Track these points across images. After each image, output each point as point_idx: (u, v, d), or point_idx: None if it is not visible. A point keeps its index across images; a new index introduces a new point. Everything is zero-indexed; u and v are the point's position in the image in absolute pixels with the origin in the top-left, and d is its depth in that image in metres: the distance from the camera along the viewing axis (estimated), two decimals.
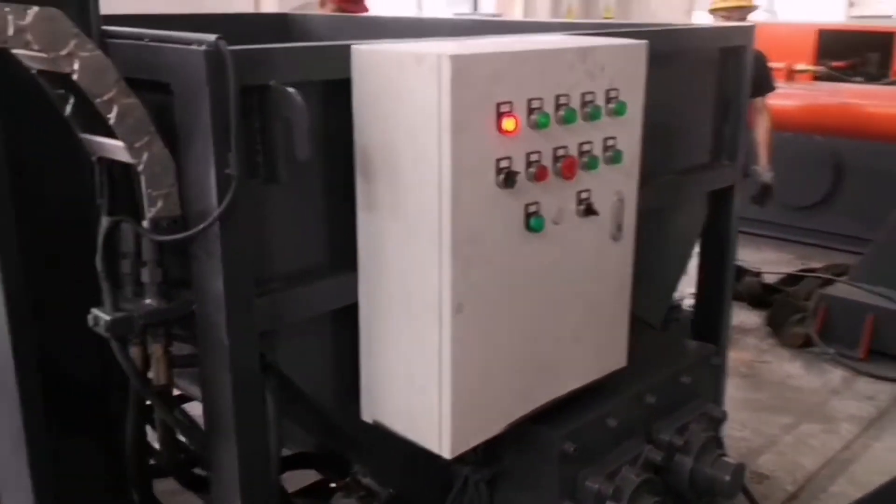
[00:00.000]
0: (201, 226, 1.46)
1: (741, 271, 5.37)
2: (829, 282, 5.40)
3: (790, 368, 4.78)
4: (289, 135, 1.48)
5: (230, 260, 1.49)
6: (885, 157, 6.24)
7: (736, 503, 2.39)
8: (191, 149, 1.47)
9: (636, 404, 2.05)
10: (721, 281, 2.74)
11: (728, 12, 5.14)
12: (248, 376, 1.58)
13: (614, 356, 1.99)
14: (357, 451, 2.10)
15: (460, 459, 1.95)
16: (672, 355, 2.28)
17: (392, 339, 1.68)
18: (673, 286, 2.78)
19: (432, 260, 1.56)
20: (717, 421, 2.25)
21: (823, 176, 6.54)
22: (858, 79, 7.06)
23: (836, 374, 4.85)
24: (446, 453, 1.65)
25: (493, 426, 1.74)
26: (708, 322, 2.75)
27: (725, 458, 2.15)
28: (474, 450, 1.89)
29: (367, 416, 1.79)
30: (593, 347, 1.92)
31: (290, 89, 1.47)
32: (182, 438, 1.92)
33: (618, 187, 1.85)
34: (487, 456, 1.94)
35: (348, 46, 1.60)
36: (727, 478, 2.10)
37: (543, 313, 1.77)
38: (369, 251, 1.68)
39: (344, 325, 1.76)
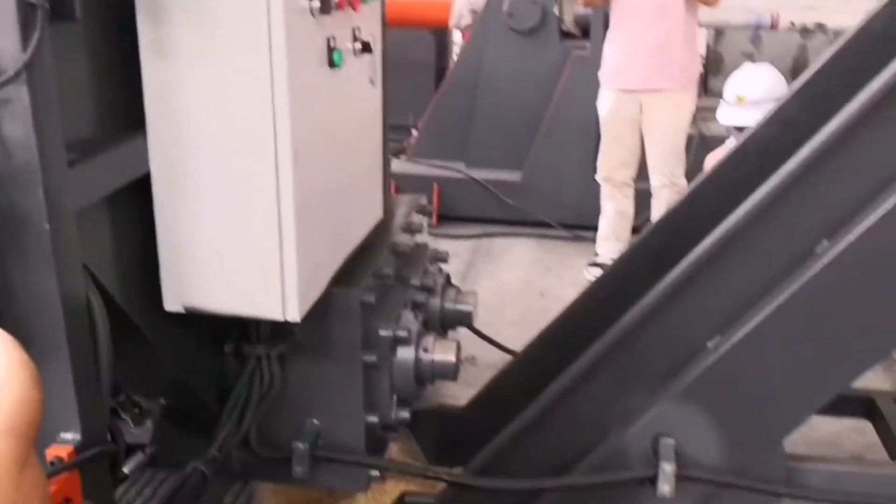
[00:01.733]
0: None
1: None
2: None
3: None
4: None
5: (41, 120, 1.17)
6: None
7: None
8: None
9: (394, 254, 2.10)
10: None
11: None
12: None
13: (377, 208, 2.01)
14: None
15: (247, 340, 1.83)
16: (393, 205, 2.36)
17: (206, 208, 1.48)
18: None
19: (264, 105, 1.39)
20: (443, 259, 2.40)
21: None
22: None
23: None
24: (294, 315, 1.53)
25: (322, 282, 1.66)
26: None
27: (463, 292, 2.33)
28: (258, 326, 1.79)
29: (173, 303, 1.56)
30: (368, 198, 1.91)
31: None
32: None
33: (373, 29, 1.83)
34: (276, 332, 1.84)
35: None
36: (471, 309, 2.28)
37: (341, 160, 1.70)
38: (163, 107, 1.44)
39: (129, 203, 1.50)
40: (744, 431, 1.87)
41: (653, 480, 1.88)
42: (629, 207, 4.79)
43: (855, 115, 1.75)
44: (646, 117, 4.48)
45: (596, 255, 4.88)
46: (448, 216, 5.59)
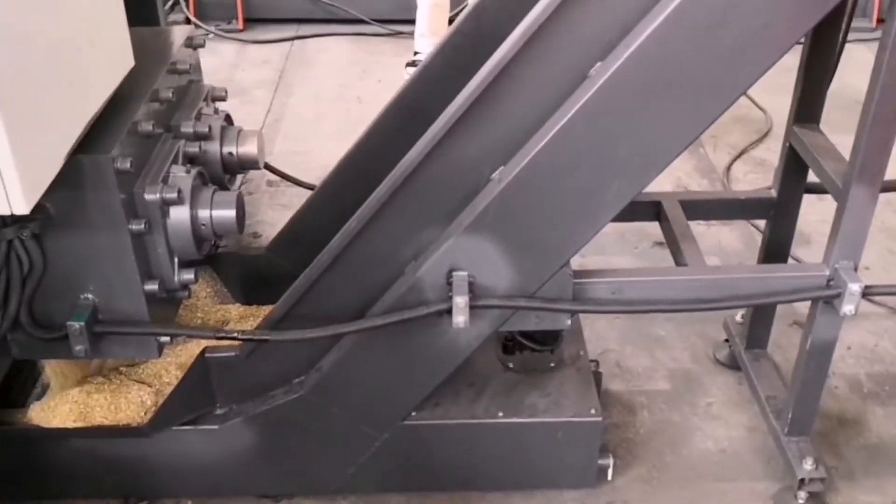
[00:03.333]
0: None
1: None
2: None
3: None
4: None
5: None
6: None
7: None
8: None
9: (158, 103, 1.91)
10: None
11: None
12: None
13: (125, 58, 1.79)
14: None
15: None
16: (158, 45, 2.12)
17: None
18: None
19: None
20: (221, 98, 2.23)
21: None
22: None
23: (229, 48, 5.03)
24: (22, 208, 1.37)
25: (57, 160, 1.48)
26: None
27: (244, 132, 2.18)
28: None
29: None
30: (109, 46, 1.69)
31: None
32: None
33: None
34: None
35: None
36: (255, 152, 2.15)
37: (51, 13, 1.47)
38: None
39: None
40: (531, 258, 1.89)
41: (449, 312, 1.90)
42: None
43: None
44: None
45: (415, 53, 4.72)
46: (255, 18, 5.23)
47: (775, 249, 2.40)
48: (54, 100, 1.46)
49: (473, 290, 1.89)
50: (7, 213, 1.37)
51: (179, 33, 2.17)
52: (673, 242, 2.17)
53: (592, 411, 2.16)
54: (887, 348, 2.77)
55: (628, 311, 2.01)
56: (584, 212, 1.85)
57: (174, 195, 1.77)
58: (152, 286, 1.81)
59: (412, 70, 4.60)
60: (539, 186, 1.81)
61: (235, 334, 1.88)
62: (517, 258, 1.89)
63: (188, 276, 1.88)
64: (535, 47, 1.71)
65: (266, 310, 2.38)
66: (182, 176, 1.87)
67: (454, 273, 1.90)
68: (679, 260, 2.14)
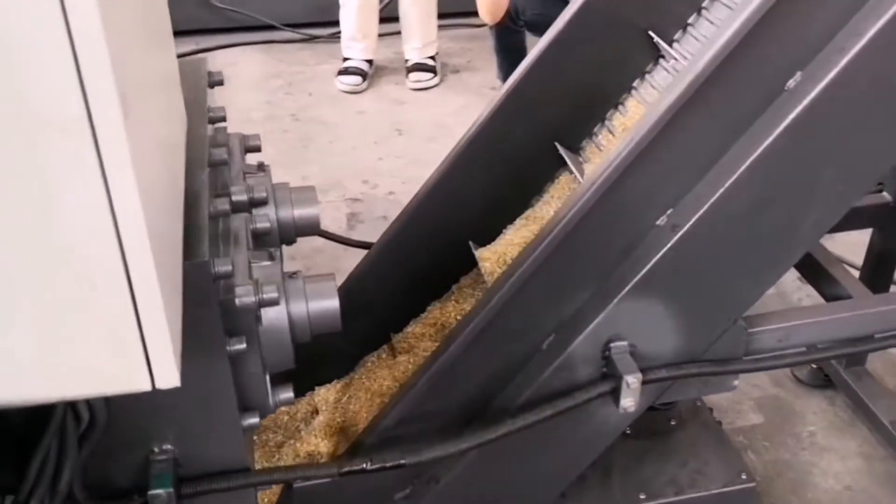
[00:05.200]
0: None
1: None
2: None
3: None
4: None
5: None
6: None
7: None
8: None
9: (212, 167, 1.41)
10: None
11: None
12: None
13: (181, 111, 1.29)
14: None
15: None
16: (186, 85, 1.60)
17: None
18: None
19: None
20: (255, 148, 1.74)
21: None
22: None
23: None
24: (172, 380, 0.88)
25: (179, 293, 0.99)
26: None
27: (295, 188, 1.70)
28: None
29: None
30: (176, 107, 1.19)
31: None
32: None
33: None
34: None
35: None
36: (316, 211, 1.68)
37: (148, 76, 0.97)
38: None
39: None
40: (704, 314, 1.54)
41: (612, 393, 1.52)
42: None
43: None
44: None
45: (345, 59, 4.25)
46: None
47: (883, 265, 2.15)
48: (175, 226, 0.98)
49: (636, 360, 1.52)
50: (148, 386, 0.87)
51: (196, 68, 1.67)
52: (816, 270, 1.86)
53: (743, 476, 1.84)
54: None
55: (804, 361, 1.69)
56: (773, 253, 1.51)
57: (274, 294, 1.29)
58: (252, 420, 1.33)
59: (347, 80, 4.15)
60: (725, 229, 1.45)
61: (365, 465, 1.42)
62: (688, 317, 1.53)
63: (286, 394, 1.41)
64: (735, 60, 1.35)
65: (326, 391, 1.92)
66: (268, 265, 1.39)
67: (612, 344, 1.52)
68: (830, 291, 1.84)
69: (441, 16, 4.32)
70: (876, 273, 2.13)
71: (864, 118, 1.40)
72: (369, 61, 4.24)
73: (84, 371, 0.84)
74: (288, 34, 4.61)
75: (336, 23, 4.34)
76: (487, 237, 1.86)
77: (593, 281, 1.51)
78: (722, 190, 1.41)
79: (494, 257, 1.78)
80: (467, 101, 4.10)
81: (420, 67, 4.22)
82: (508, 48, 3.68)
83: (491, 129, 1.80)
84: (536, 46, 1.76)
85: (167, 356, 0.84)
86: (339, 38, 4.36)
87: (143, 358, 0.84)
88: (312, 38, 4.64)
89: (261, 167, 1.74)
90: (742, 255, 1.49)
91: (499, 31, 3.59)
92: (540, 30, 3.76)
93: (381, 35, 4.32)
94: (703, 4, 1.78)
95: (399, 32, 4.34)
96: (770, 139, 1.37)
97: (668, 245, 1.44)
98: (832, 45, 1.37)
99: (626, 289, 1.47)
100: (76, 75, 0.68)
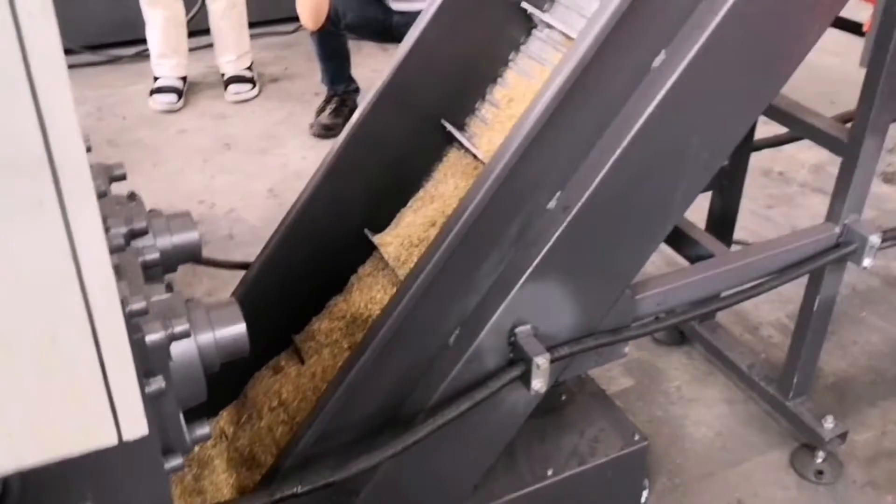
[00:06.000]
0: None
1: None
2: None
3: None
4: None
5: None
6: None
7: None
8: None
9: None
10: None
11: None
12: None
13: None
14: None
15: None
16: None
17: None
18: None
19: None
20: (120, 176, 1.63)
21: None
22: None
23: None
24: (141, 430, 0.81)
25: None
26: None
27: (168, 215, 1.61)
28: None
29: None
30: None
31: None
32: None
33: None
34: None
35: None
36: (196, 236, 1.60)
37: None
38: None
39: None
40: (597, 289, 1.61)
41: (522, 377, 1.56)
42: (180, 10, 3.99)
43: None
44: None
45: (156, 78, 4.06)
46: None
47: (723, 225, 2.33)
48: None
49: (540, 342, 1.57)
50: (115, 443, 0.80)
51: None
52: (677, 235, 1.99)
53: (636, 437, 1.94)
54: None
55: (683, 319, 1.80)
56: (652, 224, 1.60)
57: (185, 327, 1.22)
58: (175, 462, 1.25)
59: (162, 98, 3.95)
60: (611, 206, 1.52)
61: (296, 489, 1.37)
62: (584, 293, 1.60)
63: (202, 430, 1.34)
64: (608, 47, 1.42)
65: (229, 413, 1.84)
66: (169, 297, 1.31)
67: (517, 329, 1.56)
68: (692, 253, 1.97)
69: (250, 25, 4.22)
70: (719, 233, 2.30)
71: (722, 89, 1.52)
72: (183, 78, 4.08)
73: (44, 434, 0.76)
74: (88, 57, 4.34)
75: (141, 41, 4.13)
76: (381, 226, 1.85)
77: (493, 269, 1.54)
78: (605, 169, 1.47)
79: (398, 241, 1.77)
80: (292, 108, 4.03)
81: (238, 79, 4.10)
82: (331, 52, 3.66)
83: (371, 120, 1.78)
84: (410, 32, 1.75)
85: (134, 404, 0.78)
86: (146, 56, 4.16)
87: (110, 410, 0.78)
88: (116, 59, 4.40)
89: (131, 196, 1.65)
90: (627, 229, 1.57)
91: (320, 36, 3.56)
92: (361, 32, 3.78)
93: (191, 49, 4.16)
94: None
95: (209, 45, 4.21)
96: (643, 118, 1.45)
97: (562, 227, 1.49)
98: (690, 21, 1.46)
99: (527, 274, 1.50)
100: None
